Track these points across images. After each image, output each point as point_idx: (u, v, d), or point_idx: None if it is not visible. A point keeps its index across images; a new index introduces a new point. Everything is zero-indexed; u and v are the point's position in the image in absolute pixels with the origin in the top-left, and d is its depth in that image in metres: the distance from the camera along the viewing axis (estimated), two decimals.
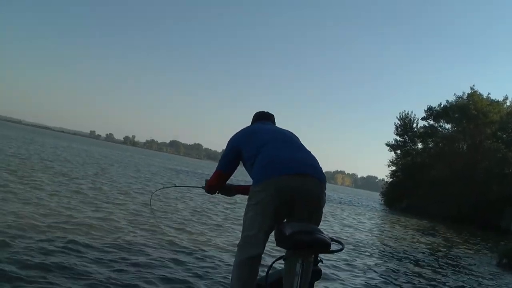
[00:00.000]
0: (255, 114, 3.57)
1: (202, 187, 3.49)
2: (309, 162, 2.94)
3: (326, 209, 3.02)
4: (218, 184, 3.32)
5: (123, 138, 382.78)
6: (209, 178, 3.38)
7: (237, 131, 3.29)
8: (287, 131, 3.31)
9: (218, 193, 3.45)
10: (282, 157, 2.89)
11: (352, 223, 14.79)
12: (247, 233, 2.84)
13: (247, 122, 3.58)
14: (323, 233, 2.55)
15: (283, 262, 2.79)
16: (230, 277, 3.04)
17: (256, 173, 2.91)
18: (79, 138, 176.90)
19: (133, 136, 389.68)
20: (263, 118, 3.50)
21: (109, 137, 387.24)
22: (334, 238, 2.73)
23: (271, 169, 2.82)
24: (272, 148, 2.97)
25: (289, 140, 3.13)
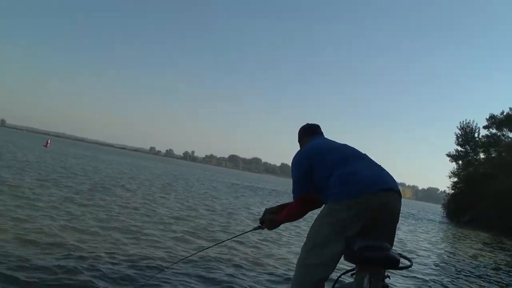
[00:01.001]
0: (307, 127, 3.40)
1: (258, 227, 3.31)
2: (388, 177, 2.84)
3: None
4: (303, 211, 3.09)
5: (183, 154, 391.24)
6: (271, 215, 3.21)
7: (299, 150, 3.19)
8: (348, 144, 3.17)
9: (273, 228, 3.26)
10: (364, 174, 2.77)
11: (413, 237, 14.31)
12: (319, 253, 2.69)
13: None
14: (391, 248, 2.52)
15: (348, 275, 2.76)
16: None
17: (335, 190, 2.74)
18: (141, 154, 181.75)
19: (193, 152, 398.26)
20: (316, 132, 3.35)
21: (169, 153, 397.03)
22: (402, 254, 2.68)
23: (354, 187, 2.68)
24: (351, 164, 2.84)
25: (362, 155, 3.01)
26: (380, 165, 2.96)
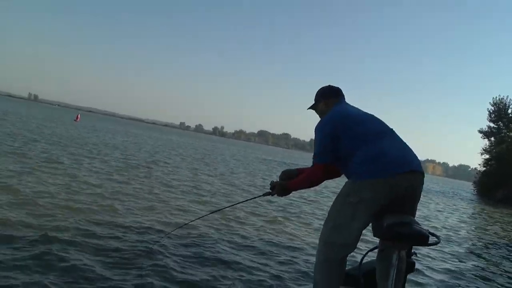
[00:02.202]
0: (329, 89, 3.18)
1: (268, 193, 3.16)
2: (414, 157, 2.76)
3: None
4: (321, 179, 2.91)
5: (212, 129, 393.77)
6: (277, 179, 3.17)
7: (325, 116, 2.98)
8: (373, 115, 3.02)
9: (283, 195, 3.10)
10: (390, 153, 2.69)
11: (443, 215, 14.01)
12: (341, 231, 2.67)
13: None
14: (420, 225, 2.48)
15: (375, 252, 2.79)
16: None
17: (361, 167, 2.68)
18: (170, 129, 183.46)
19: (222, 127, 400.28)
20: (340, 96, 3.16)
21: (199, 128, 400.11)
22: (430, 231, 2.64)
23: (381, 166, 2.63)
24: (378, 140, 2.75)
25: (388, 131, 2.89)
26: (405, 144, 2.85)
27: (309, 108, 3.29)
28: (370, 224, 2.76)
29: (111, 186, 7.88)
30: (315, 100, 3.23)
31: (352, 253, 2.78)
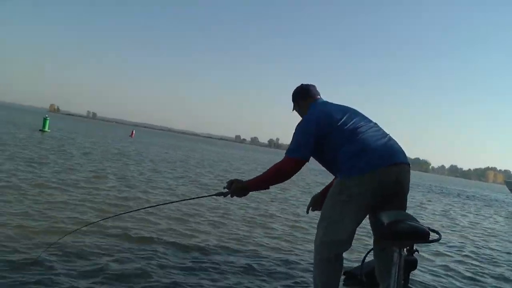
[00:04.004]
0: (305, 88, 3.17)
1: (221, 194, 2.93)
2: (398, 149, 2.80)
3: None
4: (293, 174, 2.84)
5: (268, 141, 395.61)
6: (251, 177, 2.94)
7: (306, 115, 2.97)
8: (356, 109, 3.01)
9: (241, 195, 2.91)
10: (375, 147, 2.70)
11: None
12: (335, 230, 2.70)
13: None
14: (419, 222, 2.39)
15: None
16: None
17: (347, 164, 2.71)
18: (226, 142, 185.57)
19: (277, 139, 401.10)
20: (315, 94, 3.14)
21: (254, 141, 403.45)
22: (430, 227, 2.48)
23: (366, 161, 2.65)
24: (361, 135, 2.74)
25: (372, 124, 2.90)
26: (389, 136, 2.87)
27: (293, 110, 3.30)
28: (370, 224, 2.85)
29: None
30: (292, 101, 3.25)
31: (354, 253, 3.08)
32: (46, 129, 25.53)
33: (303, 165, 2.83)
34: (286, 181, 2.92)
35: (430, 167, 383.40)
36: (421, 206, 14.48)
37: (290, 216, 7.96)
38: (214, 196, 3.09)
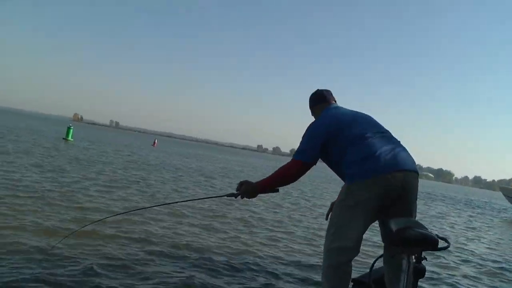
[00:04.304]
0: (319, 94, 3.22)
1: (233, 195, 2.98)
2: (407, 157, 2.77)
3: None
4: (298, 176, 2.88)
5: (289, 151, 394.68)
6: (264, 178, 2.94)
7: (316, 119, 3.05)
8: (368, 115, 3.03)
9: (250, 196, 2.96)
10: (382, 153, 2.68)
11: None
12: (342, 236, 2.68)
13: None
14: (427, 229, 2.36)
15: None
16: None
17: (353, 169, 2.71)
18: (249, 152, 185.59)
19: None
20: (330, 99, 3.19)
21: (276, 150, 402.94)
22: (439, 235, 2.49)
23: (373, 166, 2.64)
24: (369, 141, 2.74)
25: (382, 131, 2.90)
26: (399, 143, 2.87)
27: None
28: (379, 230, 2.73)
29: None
30: (309, 106, 3.28)
31: (362, 260, 3.00)
32: (70, 138, 25.82)
33: (308, 168, 2.88)
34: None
35: (454, 178, 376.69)
36: (444, 217, 14.34)
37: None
38: (228, 198, 3.13)
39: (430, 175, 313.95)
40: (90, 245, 4.38)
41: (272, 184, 2.91)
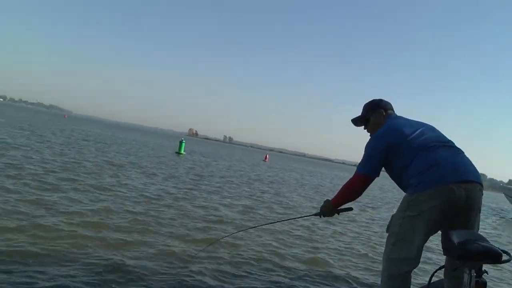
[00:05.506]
0: (379, 102, 3.13)
1: (317, 214, 3.09)
2: (471, 167, 2.67)
3: None
4: (363, 190, 2.87)
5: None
6: (331, 198, 3.01)
7: (382, 128, 2.93)
8: (430, 125, 2.93)
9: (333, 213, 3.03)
10: (446, 164, 2.60)
11: None
12: (403, 246, 2.61)
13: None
14: (489, 242, 2.23)
15: (442, 271, 2.81)
16: None
17: (415, 179, 2.63)
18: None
19: None
20: (390, 109, 3.12)
21: None
22: (500, 248, 2.26)
23: (437, 177, 2.55)
24: (432, 151, 2.67)
25: (445, 142, 2.80)
26: (464, 154, 2.79)
27: (358, 125, 3.26)
28: (440, 243, 2.69)
29: None
30: (365, 113, 3.16)
31: (420, 274, 3.14)
32: (182, 151, 26.44)
33: (371, 181, 2.84)
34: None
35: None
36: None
37: None
38: (314, 217, 3.23)
39: None
40: (229, 253, 4.87)
41: (340, 198, 2.92)
